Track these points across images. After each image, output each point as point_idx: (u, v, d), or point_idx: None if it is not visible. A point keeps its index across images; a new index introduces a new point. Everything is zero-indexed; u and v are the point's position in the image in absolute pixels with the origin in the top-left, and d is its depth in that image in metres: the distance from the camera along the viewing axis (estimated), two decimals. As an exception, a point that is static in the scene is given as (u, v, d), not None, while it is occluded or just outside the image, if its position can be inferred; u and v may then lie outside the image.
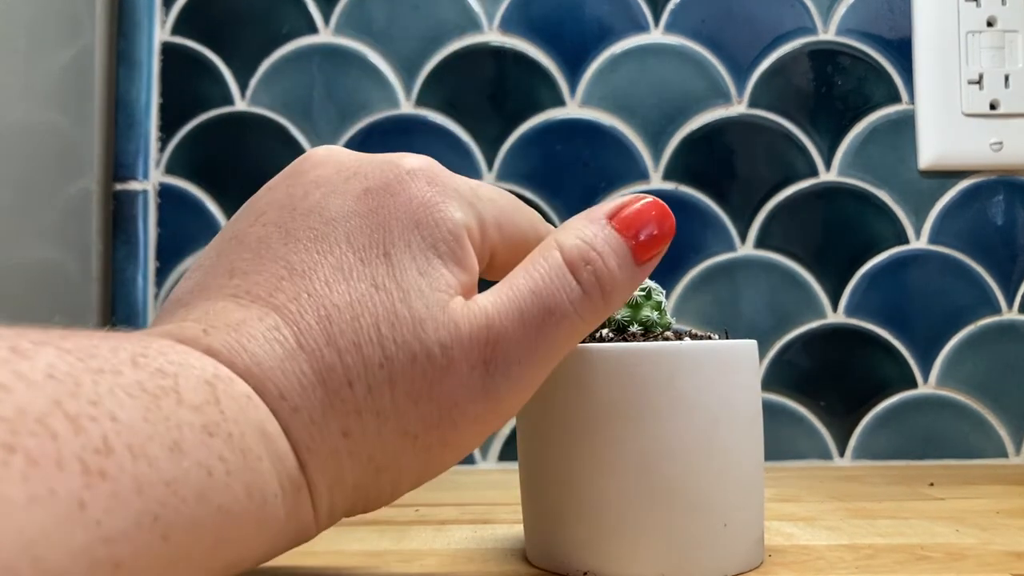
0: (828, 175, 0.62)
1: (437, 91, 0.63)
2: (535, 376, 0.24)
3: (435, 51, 0.63)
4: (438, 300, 0.23)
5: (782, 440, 0.60)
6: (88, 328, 0.21)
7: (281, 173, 0.27)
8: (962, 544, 0.33)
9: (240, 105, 0.63)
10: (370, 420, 0.22)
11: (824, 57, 0.63)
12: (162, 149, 0.63)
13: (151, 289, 0.61)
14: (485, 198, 0.26)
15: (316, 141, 0.62)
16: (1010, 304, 0.61)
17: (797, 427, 0.60)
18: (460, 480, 0.55)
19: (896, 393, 0.61)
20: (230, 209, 0.62)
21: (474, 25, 0.63)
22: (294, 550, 0.29)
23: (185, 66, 0.63)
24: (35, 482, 0.14)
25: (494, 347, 0.23)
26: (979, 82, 0.61)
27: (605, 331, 0.31)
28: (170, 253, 0.62)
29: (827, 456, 0.60)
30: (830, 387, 0.61)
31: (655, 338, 0.31)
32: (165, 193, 0.62)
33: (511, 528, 0.38)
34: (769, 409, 0.60)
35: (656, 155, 0.62)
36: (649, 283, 0.32)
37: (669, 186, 0.62)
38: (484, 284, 0.26)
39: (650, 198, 0.26)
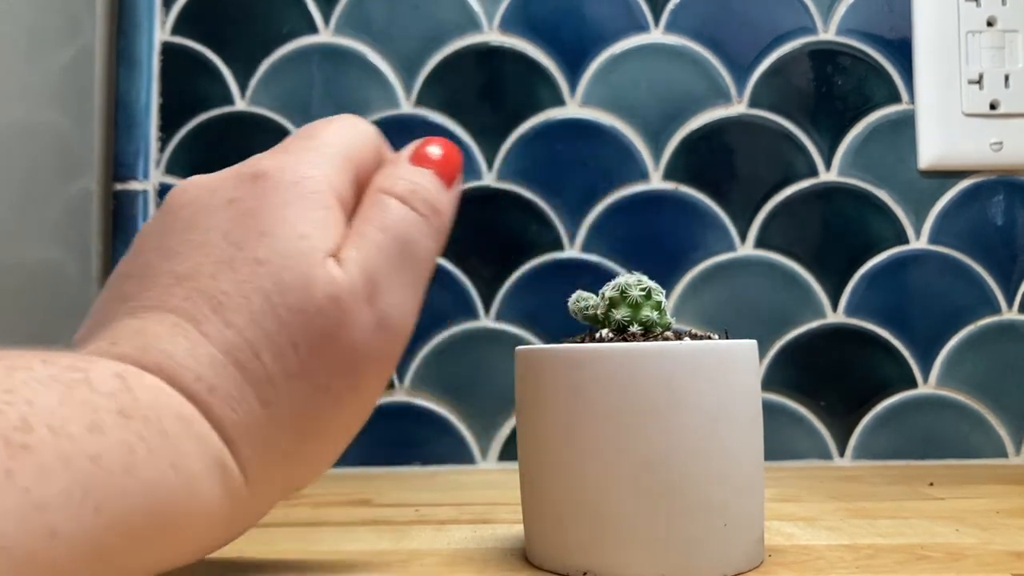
0: (828, 175, 0.62)
1: (437, 91, 0.63)
2: (415, 297, 0.27)
3: (435, 51, 0.63)
4: (318, 260, 0.25)
5: (782, 440, 0.60)
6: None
7: (149, 219, 0.29)
8: (962, 544, 0.33)
9: (240, 105, 0.63)
10: (283, 384, 0.24)
11: (824, 57, 0.63)
12: (162, 149, 0.63)
13: (151, 289, 0.61)
14: (338, 153, 0.28)
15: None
16: (1010, 304, 0.61)
17: (797, 427, 0.60)
18: (460, 480, 0.55)
19: (896, 393, 0.61)
20: (230, 209, 0.62)
21: (474, 25, 0.63)
22: (295, 550, 0.29)
23: (185, 66, 0.63)
24: None
25: (374, 285, 0.26)
26: (979, 82, 0.61)
27: (605, 331, 0.31)
28: (170, 253, 0.62)
29: (827, 456, 0.60)
30: (830, 387, 0.61)
31: (655, 338, 0.31)
32: (165, 193, 0.62)
33: (511, 528, 0.38)
34: (769, 409, 0.60)
35: (656, 155, 0.62)
36: (649, 283, 0.32)
37: (669, 186, 0.62)
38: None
39: (434, 139, 0.31)
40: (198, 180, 0.28)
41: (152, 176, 0.62)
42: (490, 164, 0.62)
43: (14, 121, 0.50)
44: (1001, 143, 0.61)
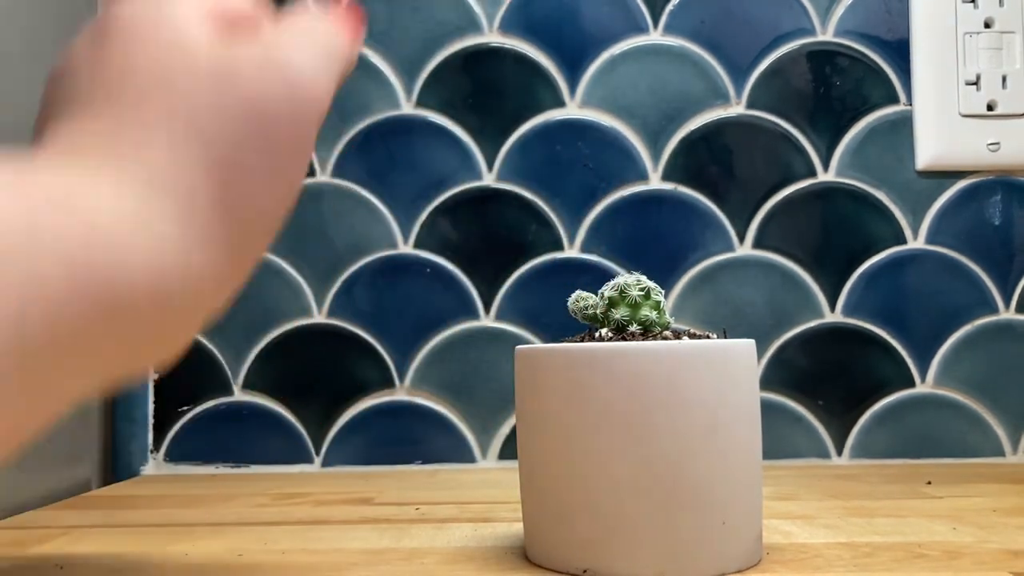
0: (826, 175, 0.62)
1: (437, 91, 0.63)
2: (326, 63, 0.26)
3: (435, 52, 0.63)
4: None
5: (780, 439, 0.60)
6: None
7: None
8: (959, 542, 0.34)
9: (241, 106, 0.63)
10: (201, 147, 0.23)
11: (822, 58, 0.63)
12: (163, 149, 0.63)
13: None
14: None
15: (316, 141, 0.62)
16: (1007, 304, 0.61)
17: (795, 426, 0.61)
18: (460, 479, 0.55)
19: (894, 392, 0.61)
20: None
21: (474, 26, 0.63)
22: (295, 549, 0.29)
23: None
24: None
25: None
26: (976, 83, 0.62)
27: (604, 331, 0.32)
28: (171, 253, 0.62)
29: (825, 455, 0.60)
30: (828, 386, 0.61)
31: (654, 338, 0.31)
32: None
33: (511, 527, 0.38)
34: (767, 408, 0.60)
35: (655, 155, 0.62)
36: (648, 283, 0.32)
37: (668, 186, 0.62)
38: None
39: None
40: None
41: (153, 176, 0.62)
42: (490, 164, 0.62)
43: (14, 122, 0.51)
44: (998, 143, 0.61)
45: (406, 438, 0.61)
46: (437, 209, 0.62)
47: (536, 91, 0.63)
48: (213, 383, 0.61)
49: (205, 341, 0.61)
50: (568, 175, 0.62)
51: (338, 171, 0.62)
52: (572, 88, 0.63)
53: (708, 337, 0.31)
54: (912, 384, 0.61)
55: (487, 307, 0.62)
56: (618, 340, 0.31)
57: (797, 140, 0.62)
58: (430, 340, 0.61)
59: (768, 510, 0.41)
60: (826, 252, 0.62)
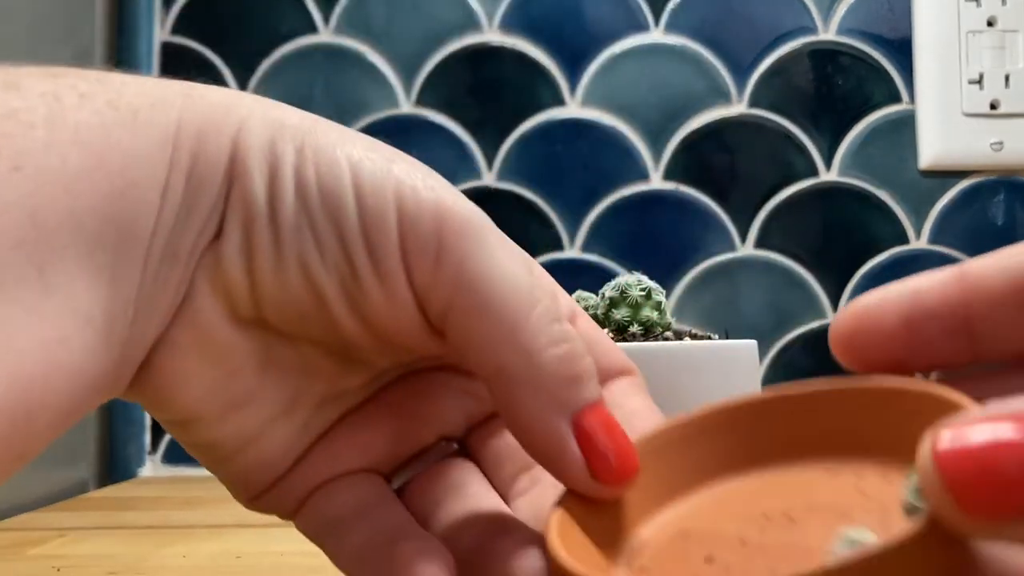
0: (828, 175, 0.62)
1: (437, 91, 0.63)
2: None
3: (435, 51, 0.63)
4: None
5: (782, 440, 0.60)
6: None
7: None
8: (962, 544, 0.33)
9: (240, 105, 0.63)
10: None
11: (824, 57, 0.63)
12: (162, 149, 0.62)
13: (151, 289, 0.61)
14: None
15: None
16: (1010, 304, 0.61)
17: (797, 427, 0.60)
18: (460, 480, 0.54)
19: (896, 393, 0.61)
20: (230, 209, 0.62)
21: (474, 25, 0.63)
22: (295, 550, 0.28)
23: (185, 66, 0.63)
24: None
25: None
26: (979, 82, 0.61)
27: (605, 331, 0.31)
28: (170, 253, 0.62)
29: (827, 456, 0.60)
30: (830, 387, 0.61)
31: (655, 338, 0.31)
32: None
33: (511, 528, 0.38)
34: (769, 409, 0.60)
35: (656, 155, 0.62)
36: (649, 283, 0.32)
37: (669, 186, 0.62)
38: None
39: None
40: None
41: (152, 176, 0.62)
42: (490, 164, 0.62)
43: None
44: (1001, 143, 0.61)
45: (406, 439, 0.61)
46: (437, 209, 0.62)
47: (536, 90, 0.63)
48: (212, 383, 0.61)
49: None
50: (568, 175, 0.62)
51: (338, 170, 0.62)
52: (573, 87, 0.63)
53: (709, 338, 0.31)
54: (914, 385, 0.61)
55: (487, 307, 0.61)
56: (619, 340, 0.30)
57: (799, 139, 0.62)
58: (430, 340, 0.61)
59: (770, 512, 0.41)
60: (828, 252, 0.61)
